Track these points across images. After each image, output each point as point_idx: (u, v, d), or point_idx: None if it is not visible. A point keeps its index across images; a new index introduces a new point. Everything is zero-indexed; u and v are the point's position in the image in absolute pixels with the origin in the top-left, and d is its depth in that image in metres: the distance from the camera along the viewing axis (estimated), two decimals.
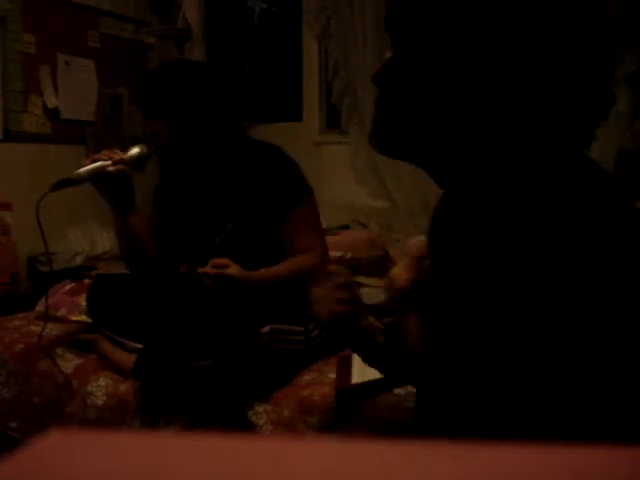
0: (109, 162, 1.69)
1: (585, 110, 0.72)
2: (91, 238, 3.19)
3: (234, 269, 1.56)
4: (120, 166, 1.69)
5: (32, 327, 2.08)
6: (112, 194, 1.75)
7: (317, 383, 1.63)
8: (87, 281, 2.23)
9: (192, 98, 1.73)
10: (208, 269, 1.55)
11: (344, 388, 1.55)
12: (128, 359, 1.73)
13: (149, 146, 1.77)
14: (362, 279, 2.57)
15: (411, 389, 1.38)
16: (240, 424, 1.59)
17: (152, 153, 1.78)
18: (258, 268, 1.64)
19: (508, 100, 0.70)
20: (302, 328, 1.72)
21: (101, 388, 1.77)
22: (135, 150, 1.74)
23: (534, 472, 0.25)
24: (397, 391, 1.48)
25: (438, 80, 0.72)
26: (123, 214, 1.78)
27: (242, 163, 1.77)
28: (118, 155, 1.71)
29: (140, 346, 1.74)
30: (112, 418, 1.73)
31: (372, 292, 2.35)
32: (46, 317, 1.84)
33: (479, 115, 0.71)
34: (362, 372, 1.62)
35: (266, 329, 1.64)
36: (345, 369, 1.65)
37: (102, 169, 1.68)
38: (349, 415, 1.54)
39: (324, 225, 2.37)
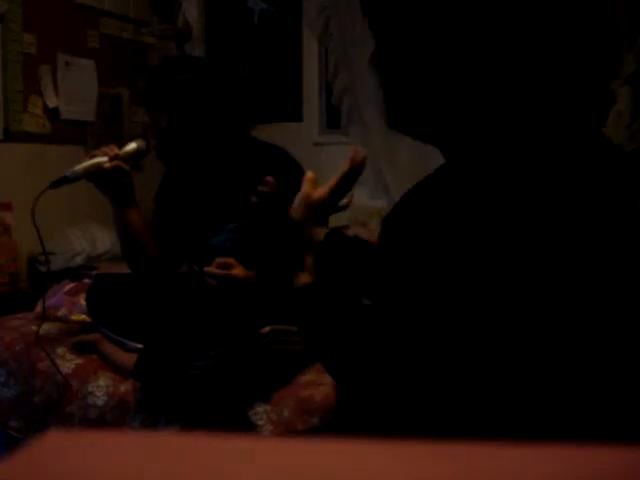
0: (105, 158, 1.71)
1: (589, 92, 0.72)
2: (91, 238, 3.19)
3: (239, 270, 1.56)
4: (116, 162, 1.71)
5: (32, 327, 2.08)
6: (110, 190, 1.76)
7: (317, 383, 1.63)
8: (87, 281, 2.23)
9: (199, 93, 1.73)
10: (213, 269, 1.54)
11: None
12: (128, 359, 1.73)
13: (147, 141, 1.78)
14: None
15: None
16: (240, 424, 1.58)
17: (150, 148, 1.79)
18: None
19: (508, 77, 0.70)
20: None
21: (101, 388, 1.77)
22: (132, 145, 1.76)
23: (534, 472, 0.25)
24: None
25: (438, 59, 0.72)
26: (122, 209, 1.79)
27: (245, 163, 1.77)
28: (114, 151, 1.72)
29: (140, 346, 1.74)
30: (112, 418, 1.73)
31: None
32: (43, 317, 1.84)
33: (481, 89, 0.71)
34: None
35: (266, 329, 1.64)
36: None
37: (98, 166, 1.70)
38: (349, 415, 1.54)
39: None
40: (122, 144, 1.78)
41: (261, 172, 1.75)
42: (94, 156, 1.72)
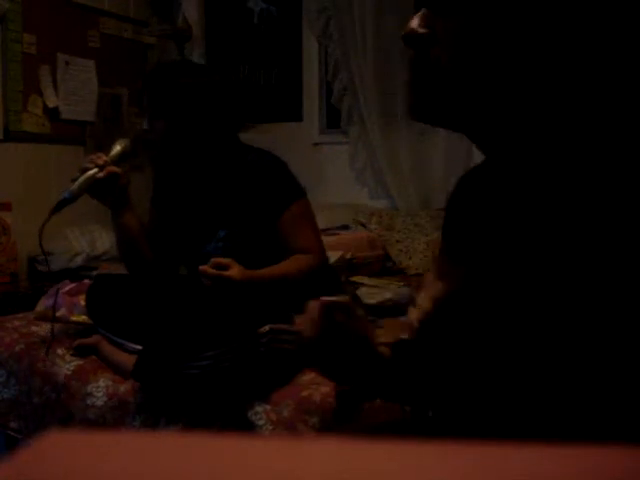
0: (96, 169, 1.70)
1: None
2: (91, 238, 3.19)
3: (234, 271, 1.55)
4: (108, 169, 1.71)
5: (32, 327, 2.08)
6: (107, 197, 1.76)
7: (317, 383, 1.62)
8: (87, 281, 2.23)
9: (195, 97, 1.73)
10: (208, 269, 1.54)
11: (344, 388, 1.55)
12: (128, 360, 1.73)
13: (132, 141, 1.78)
14: (362, 279, 2.57)
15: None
16: (240, 424, 1.58)
17: (136, 148, 1.79)
18: None
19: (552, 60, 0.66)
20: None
21: (101, 389, 1.77)
22: (117, 148, 1.77)
23: (534, 472, 0.25)
24: None
25: (480, 46, 0.67)
26: (119, 213, 1.80)
27: (233, 169, 1.77)
28: (102, 159, 1.72)
29: (139, 347, 1.74)
30: (112, 418, 1.73)
31: (372, 292, 2.35)
32: (53, 319, 1.84)
33: (522, 78, 0.67)
34: None
35: (266, 328, 1.63)
36: None
37: (92, 178, 1.70)
38: (349, 415, 1.54)
39: (324, 225, 2.37)
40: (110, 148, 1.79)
41: (250, 177, 1.75)
42: (85, 170, 1.71)
